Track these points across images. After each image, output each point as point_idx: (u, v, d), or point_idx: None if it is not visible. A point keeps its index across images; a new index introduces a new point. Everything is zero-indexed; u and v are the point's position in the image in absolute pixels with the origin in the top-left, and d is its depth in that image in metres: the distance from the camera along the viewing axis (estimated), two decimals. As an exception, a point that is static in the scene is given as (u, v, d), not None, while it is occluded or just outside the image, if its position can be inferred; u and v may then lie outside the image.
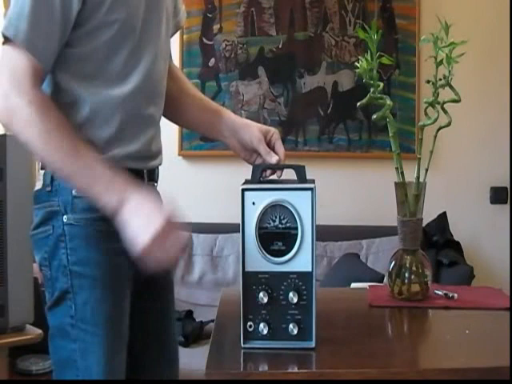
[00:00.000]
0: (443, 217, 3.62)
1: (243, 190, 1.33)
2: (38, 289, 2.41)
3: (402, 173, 1.74)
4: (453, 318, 1.64)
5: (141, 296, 1.54)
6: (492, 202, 3.84)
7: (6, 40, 1.37)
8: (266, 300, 1.32)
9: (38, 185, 1.50)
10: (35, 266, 2.94)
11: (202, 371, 1.24)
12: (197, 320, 3.26)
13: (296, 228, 1.32)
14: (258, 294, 1.32)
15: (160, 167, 1.61)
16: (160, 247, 1.31)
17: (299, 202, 1.32)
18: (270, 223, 1.33)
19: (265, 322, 1.32)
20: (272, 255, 1.33)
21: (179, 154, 3.74)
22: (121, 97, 1.45)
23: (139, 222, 1.33)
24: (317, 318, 1.33)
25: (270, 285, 1.33)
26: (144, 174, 1.53)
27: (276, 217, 1.33)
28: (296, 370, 1.30)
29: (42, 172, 1.48)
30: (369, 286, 1.97)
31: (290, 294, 1.32)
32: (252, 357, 1.33)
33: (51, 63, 1.40)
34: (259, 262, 1.33)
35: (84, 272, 1.42)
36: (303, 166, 1.40)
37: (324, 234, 3.29)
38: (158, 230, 1.31)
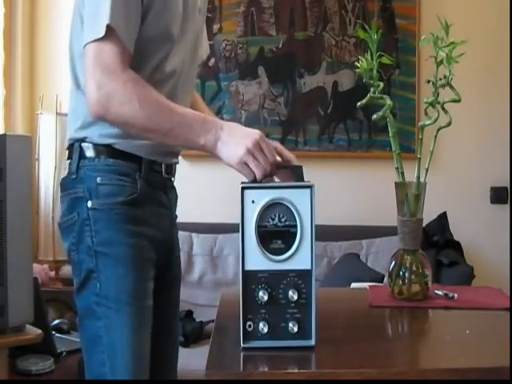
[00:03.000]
0: (443, 217, 3.62)
1: (243, 189, 1.33)
2: (38, 289, 2.41)
3: (403, 173, 1.74)
4: (453, 318, 1.64)
5: (158, 282, 1.61)
6: (492, 202, 3.84)
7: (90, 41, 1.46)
8: (265, 298, 1.32)
9: (64, 173, 1.60)
10: (35, 266, 2.95)
11: (202, 371, 1.24)
12: (197, 320, 3.26)
13: (295, 226, 1.33)
14: (258, 292, 1.32)
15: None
16: (255, 158, 1.38)
17: (298, 199, 1.32)
18: (269, 222, 1.33)
19: (264, 321, 1.32)
20: (271, 253, 1.33)
21: (179, 154, 3.74)
22: None
23: (233, 143, 1.41)
24: (317, 318, 1.33)
25: (270, 283, 1.33)
26: (162, 167, 1.62)
27: (275, 215, 1.33)
28: (296, 370, 1.30)
29: (68, 161, 1.59)
30: (369, 286, 1.97)
31: (290, 292, 1.32)
32: (252, 357, 1.33)
33: (133, 47, 1.48)
34: (259, 260, 1.33)
35: (107, 252, 1.51)
36: (300, 166, 1.41)
37: (324, 234, 3.30)
38: (251, 143, 1.38)
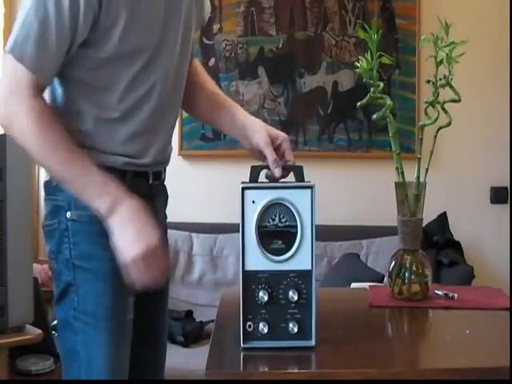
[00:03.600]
0: (443, 217, 3.62)
1: (243, 189, 1.33)
2: (38, 289, 2.41)
3: (402, 173, 1.74)
4: (453, 318, 1.64)
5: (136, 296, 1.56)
6: (492, 202, 3.84)
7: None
8: (265, 299, 1.32)
9: (47, 176, 1.54)
10: (35, 266, 2.95)
11: (202, 371, 1.24)
12: (197, 320, 3.26)
13: (295, 227, 1.32)
14: (258, 293, 1.32)
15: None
16: (144, 265, 1.37)
17: (299, 200, 1.33)
18: (269, 222, 1.33)
19: (264, 322, 1.32)
20: (272, 254, 1.33)
21: (179, 154, 3.75)
22: (125, 112, 1.48)
23: (129, 235, 1.38)
24: (317, 318, 1.33)
25: (270, 284, 1.33)
26: (149, 175, 1.56)
27: (276, 215, 1.33)
28: (296, 370, 1.30)
29: None
30: (369, 286, 1.97)
31: (290, 293, 1.32)
32: (252, 357, 1.33)
33: (52, 79, 1.44)
34: (259, 260, 1.33)
35: (86, 266, 1.47)
36: (301, 167, 1.40)
37: (324, 234, 3.30)
38: (145, 249, 1.36)
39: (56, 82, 1.48)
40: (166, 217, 1.70)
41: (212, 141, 3.84)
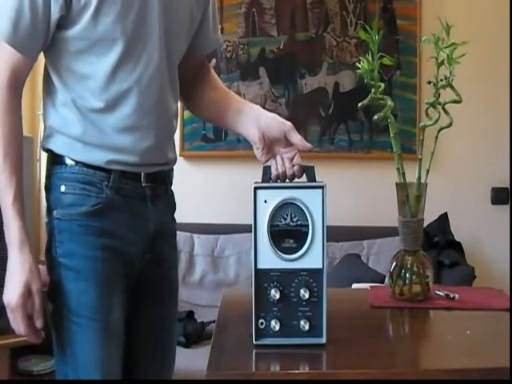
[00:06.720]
0: (444, 217, 3.63)
1: (255, 189, 1.34)
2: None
3: (403, 173, 1.74)
4: (454, 319, 1.64)
5: (141, 297, 1.58)
6: (493, 203, 3.84)
7: None
8: (277, 297, 1.33)
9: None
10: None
11: (203, 372, 1.24)
12: (198, 321, 3.26)
13: (307, 226, 1.34)
14: (270, 291, 1.33)
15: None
16: (11, 315, 1.43)
17: (310, 200, 1.34)
18: (281, 221, 1.34)
19: (276, 319, 1.33)
20: (283, 252, 1.34)
21: (180, 155, 3.75)
22: (109, 103, 1.48)
23: (15, 278, 1.44)
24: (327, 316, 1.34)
25: (282, 282, 1.34)
26: (141, 176, 1.54)
27: (287, 215, 1.34)
28: (297, 370, 1.30)
29: (45, 165, 1.55)
30: (370, 286, 1.97)
31: (302, 291, 1.33)
32: (253, 357, 1.33)
33: (35, 57, 1.47)
34: (271, 259, 1.34)
35: (69, 264, 1.48)
36: (313, 166, 1.44)
37: (325, 234, 3.29)
38: (7, 302, 1.43)
39: (51, 74, 1.51)
40: (174, 220, 1.68)
41: (213, 142, 3.84)
